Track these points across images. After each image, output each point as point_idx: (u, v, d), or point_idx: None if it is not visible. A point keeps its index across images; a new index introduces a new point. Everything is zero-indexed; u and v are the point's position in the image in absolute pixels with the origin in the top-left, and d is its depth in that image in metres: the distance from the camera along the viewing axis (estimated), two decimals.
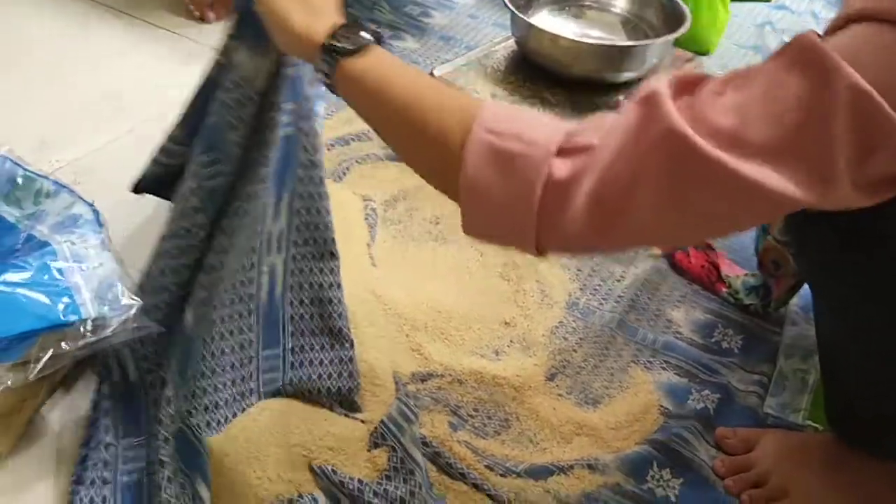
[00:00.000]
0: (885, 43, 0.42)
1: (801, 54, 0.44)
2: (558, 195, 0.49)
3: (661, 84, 0.48)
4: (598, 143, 0.49)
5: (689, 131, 0.45)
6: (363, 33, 0.57)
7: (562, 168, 0.49)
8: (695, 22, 1.19)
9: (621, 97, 1.05)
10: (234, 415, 0.71)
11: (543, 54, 1.06)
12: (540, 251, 0.52)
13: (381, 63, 0.57)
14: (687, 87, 0.48)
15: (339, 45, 0.57)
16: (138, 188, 0.87)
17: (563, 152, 0.49)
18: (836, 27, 0.46)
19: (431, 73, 1.07)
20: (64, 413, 0.74)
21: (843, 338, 0.64)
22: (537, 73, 1.07)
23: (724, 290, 0.91)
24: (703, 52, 1.28)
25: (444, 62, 1.10)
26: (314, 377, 0.75)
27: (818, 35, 0.45)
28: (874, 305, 0.57)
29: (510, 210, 0.51)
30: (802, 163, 0.43)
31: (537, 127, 0.51)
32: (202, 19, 1.40)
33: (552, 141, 0.50)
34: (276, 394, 0.75)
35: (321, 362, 0.76)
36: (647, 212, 0.47)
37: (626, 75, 1.06)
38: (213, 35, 1.36)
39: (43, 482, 0.69)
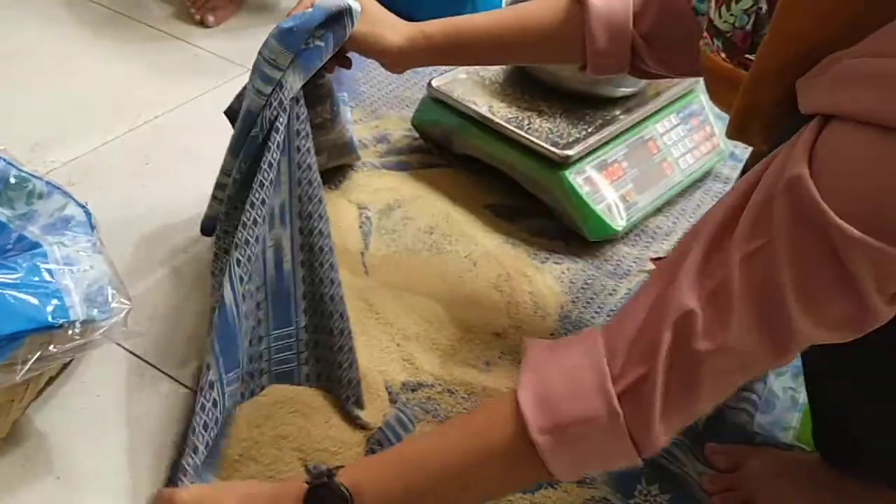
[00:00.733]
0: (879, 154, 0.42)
1: (802, 213, 0.44)
2: (641, 427, 0.50)
3: (689, 299, 0.48)
4: (645, 370, 0.49)
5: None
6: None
7: (632, 410, 0.50)
8: None
9: (617, 112, 1.05)
10: (243, 396, 0.71)
11: (540, 67, 1.06)
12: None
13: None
14: (713, 298, 0.48)
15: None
16: (205, 230, 0.87)
17: (623, 395, 0.50)
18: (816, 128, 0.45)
19: (429, 84, 1.08)
20: (50, 414, 0.74)
21: (827, 370, 0.64)
22: (534, 85, 1.08)
23: None
24: None
25: (441, 73, 1.11)
26: (331, 363, 0.74)
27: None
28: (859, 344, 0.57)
29: (608, 458, 0.53)
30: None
31: (582, 392, 0.51)
32: (202, 23, 1.40)
33: (608, 394, 0.50)
34: (290, 377, 0.75)
35: (332, 348, 0.75)
36: (716, 381, 0.50)
37: (623, 90, 1.06)
38: (212, 39, 1.37)
39: (28, 484, 0.68)
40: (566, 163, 0.97)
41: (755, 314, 0.46)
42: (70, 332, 0.64)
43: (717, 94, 0.67)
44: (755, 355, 0.48)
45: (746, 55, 0.62)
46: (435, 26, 0.79)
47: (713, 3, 0.63)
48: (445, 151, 1.11)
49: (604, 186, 1.00)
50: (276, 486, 0.61)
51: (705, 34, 0.66)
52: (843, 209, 0.42)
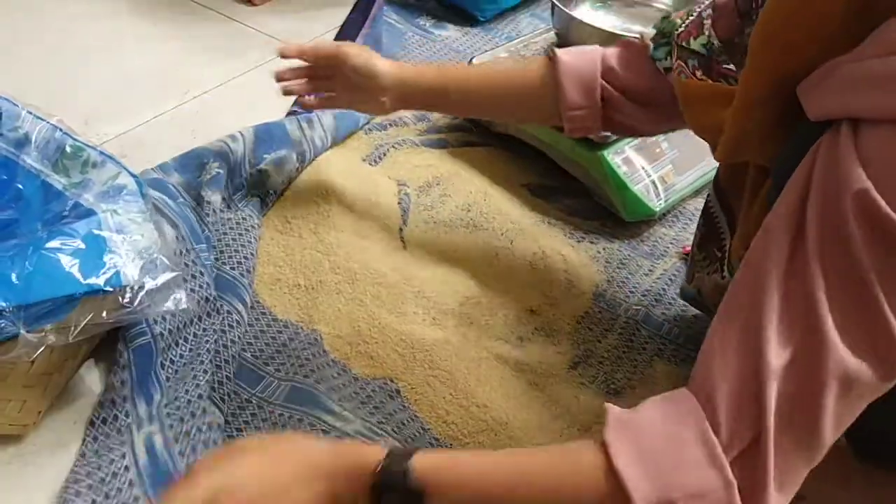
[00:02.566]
0: None
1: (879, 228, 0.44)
2: (757, 494, 0.46)
3: (782, 347, 0.46)
4: (754, 432, 0.46)
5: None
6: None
7: (745, 478, 0.46)
8: None
9: None
10: None
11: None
12: None
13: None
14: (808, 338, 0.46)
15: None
16: None
17: (734, 463, 0.46)
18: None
19: (470, 62, 1.08)
20: (100, 375, 0.78)
21: None
22: None
23: None
24: None
25: (483, 52, 1.11)
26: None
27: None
28: None
29: None
30: None
31: (692, 462, 0.46)
32: (249, 1, 1.42)
33: (720, 462, 0.46)
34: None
35: None
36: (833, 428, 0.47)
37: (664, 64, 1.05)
38: (258, 17, 1.39)
39: (78, 441, 0.72)
40: (604, 143, 0.98)
41: (856, 342, 0.45)
42: (122, 297, 0.68)
43: (698, 117, 0.67)
44: (864, 383, 0.46)
45: (724, 66, 0.64)
46: (422, 78, 0.86)
47: (684, 32, 0.67)
48: (484, 130, 1.12)
49: (642, 167, 1.00)
50: (341, 460, 0.53)
51: (677, 63, 0.68)
52: None
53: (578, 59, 0.79)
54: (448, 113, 1.08)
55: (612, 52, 0.79)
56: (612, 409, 0.51)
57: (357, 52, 0.86)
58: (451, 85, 0.85)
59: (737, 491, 0.45)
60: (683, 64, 0.67)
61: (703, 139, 0.68)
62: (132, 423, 0.71)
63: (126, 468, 0.68)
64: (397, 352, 0.81)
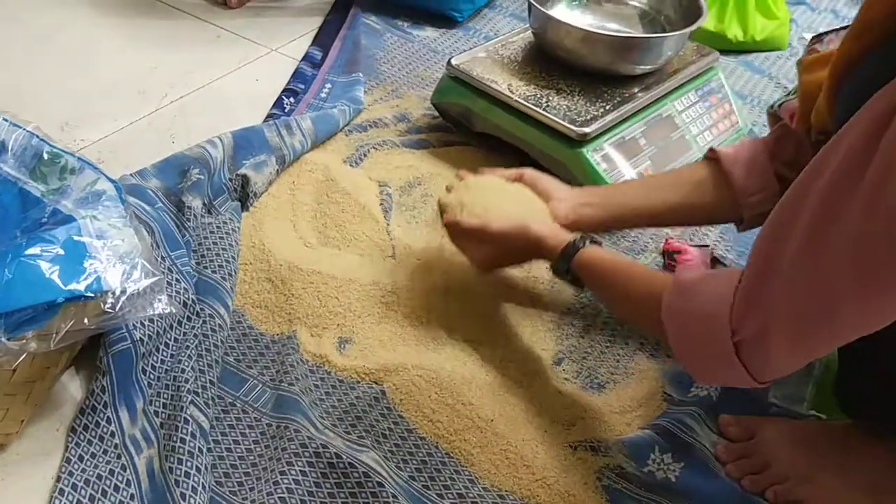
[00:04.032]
0: None
1: None
2: (754, 353, 0.56)
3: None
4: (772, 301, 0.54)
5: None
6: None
7: (748, 328, 0.56)
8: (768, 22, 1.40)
9: (636, 90, 1.06)
10: None
11: (559, 46, 1.07)
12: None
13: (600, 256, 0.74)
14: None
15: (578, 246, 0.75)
16: None
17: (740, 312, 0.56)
18: None
19: (449, 63, 1.09)
20: (82, 383, 0.77)
21: None
22: (553, 64, 1.08)
23: None
24: (779, 48, 1.44)
25: (461, 52, 1.11)
26: None
27: None
28: None
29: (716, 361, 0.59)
30: None
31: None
32: (225, 4, 1.42)
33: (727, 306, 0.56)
34: None
35: None
36: (850, 319, 0.51)
37: (642, 68, 1.06)
38: (234, 20, 1.39)
39: (61, 449, 0.71)
40: (584, 140, 0.98)
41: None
42: (104, 303, 0.67)
43: (814, 91, 0.65)
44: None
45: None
46: (596, 198, 0.86)
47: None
48: (465, 129, 1.12)
49: (622, 164, 1.01)
50: (544, 240, 0.77)
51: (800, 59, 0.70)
52: None
53: (740, 149, 0.80)
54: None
55: (770, 138, 0.79)
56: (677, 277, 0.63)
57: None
58: (624, 222, 0.89)
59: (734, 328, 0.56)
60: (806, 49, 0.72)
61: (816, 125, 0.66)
62: (115, 430, 0.71)
63: (122, 482, 0.68)
64: (381, 353, 0.82)
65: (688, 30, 1.05)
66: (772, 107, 0.79)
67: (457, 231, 0.83)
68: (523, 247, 0.80)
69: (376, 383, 0.79)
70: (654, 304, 0.63)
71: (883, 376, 0.65)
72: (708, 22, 1.39)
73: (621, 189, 0.90)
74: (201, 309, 0.81)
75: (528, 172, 0.88)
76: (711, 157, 0.82)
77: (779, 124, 0.79)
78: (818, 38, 0.72)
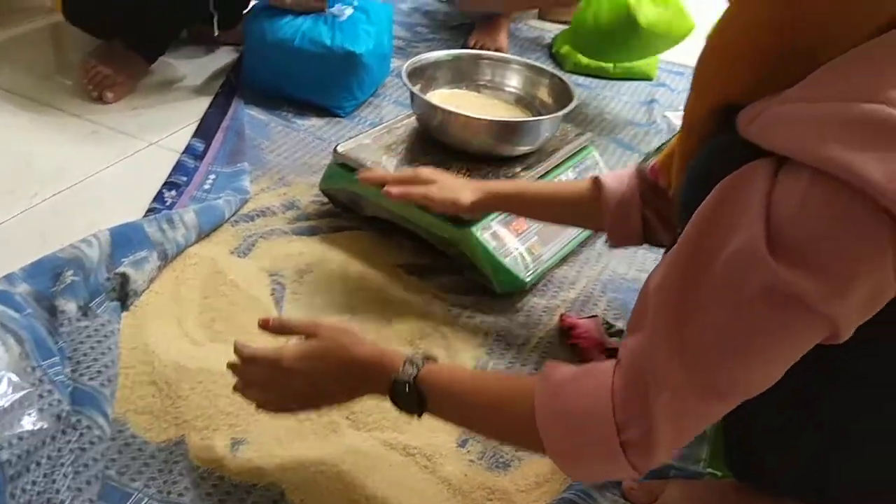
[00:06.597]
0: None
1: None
2: (641, 450, 0.55)
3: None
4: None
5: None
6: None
7: (633, 428, 0.54)
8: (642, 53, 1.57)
9: (518, 169, 1.10)
10: None
11: (442, 131, 1.10)
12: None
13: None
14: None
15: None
16: None
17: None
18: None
19: (335, 150, 1.10)
20: None
21: None
22: (438, 147, 1.11)
23: None
24: (648, 78, 1.76)
25: (347, 139, 1.13)
26: None
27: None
28: None
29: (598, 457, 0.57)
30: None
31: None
32: (101, 100, 1.38)
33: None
34: None
35: None
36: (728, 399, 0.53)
37: (521, 149, 1.11)
38: (112, 115, 1.35)
39: None
40: (473, 219, 1.00)
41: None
42: None
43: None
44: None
45: None
46: (497, 186, 0.96)
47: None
48: (355, 214, 1.13)
49: (510, 241, 1.03)
50: (372, 360, 0.68)
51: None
52: None
53: (618, 183, 0.88)
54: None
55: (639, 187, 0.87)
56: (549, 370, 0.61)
57: (440, 199, 0.92)
58: (519, 206, 0.95)
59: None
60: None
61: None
62: None
63: None
64: (277, 451, 0.78)
65: (561, 112, 1.11)
66: (640, 163, 0.88)
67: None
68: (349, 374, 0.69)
69: (274, 485, 0.75)
70: (525, 407, 0.59)
71: (763, 442, 0.68)
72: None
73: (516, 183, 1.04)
74: (78, 420, 0.75)
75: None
76: (596, 185, 0.89)
77: (643, 177, 0.87)
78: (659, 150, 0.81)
